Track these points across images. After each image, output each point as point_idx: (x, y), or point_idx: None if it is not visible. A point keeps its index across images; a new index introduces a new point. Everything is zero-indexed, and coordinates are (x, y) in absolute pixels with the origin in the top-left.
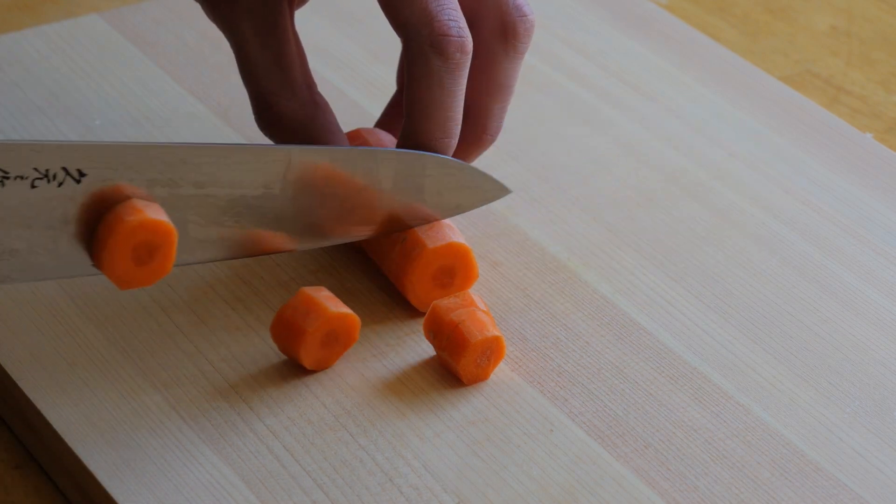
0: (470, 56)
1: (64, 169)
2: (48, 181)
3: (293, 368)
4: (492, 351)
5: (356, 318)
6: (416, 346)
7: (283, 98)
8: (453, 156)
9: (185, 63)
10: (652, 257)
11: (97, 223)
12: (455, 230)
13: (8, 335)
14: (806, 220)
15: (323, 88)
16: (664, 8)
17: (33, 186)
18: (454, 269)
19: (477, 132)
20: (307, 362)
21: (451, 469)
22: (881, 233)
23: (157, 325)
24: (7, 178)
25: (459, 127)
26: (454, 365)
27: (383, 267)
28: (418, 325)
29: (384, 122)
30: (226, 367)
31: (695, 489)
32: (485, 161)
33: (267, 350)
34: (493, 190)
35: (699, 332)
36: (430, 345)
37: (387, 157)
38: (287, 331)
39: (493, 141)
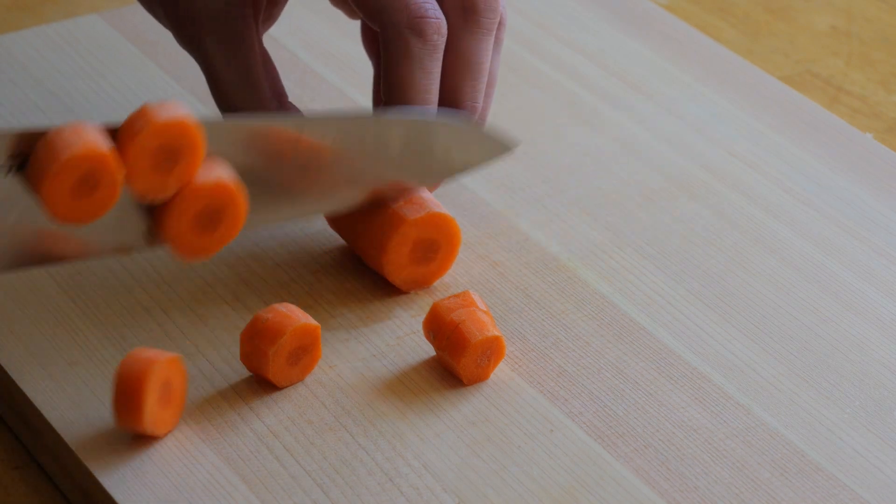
0: (445, 38)
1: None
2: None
3: None
4: (492, 351)
5: (308, 327)
6: (416, 346)
7: (253, 111)
8: None
9: (184, 63)
10: (652, 257)
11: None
12: (436, 202)
13: (8, 335)
14: (806, 220)
15: (323, 88)
16: (664, 8)
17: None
18: (437, 242)
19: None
20: (285, 384)
21: (451, 469)
22: (881, 233)
23: (157, 325)
24: None
25: (436, 111)
26: (454, 365)
27: (357, 246)
28: (418, 325)
29: None
30: (226, 367)
31: (695, 489)
32: None
33: None
34: (500, 145)
35: (699, 332)
36: (430, 345)
37: (394, 123)
38: (254, 366)
39: None
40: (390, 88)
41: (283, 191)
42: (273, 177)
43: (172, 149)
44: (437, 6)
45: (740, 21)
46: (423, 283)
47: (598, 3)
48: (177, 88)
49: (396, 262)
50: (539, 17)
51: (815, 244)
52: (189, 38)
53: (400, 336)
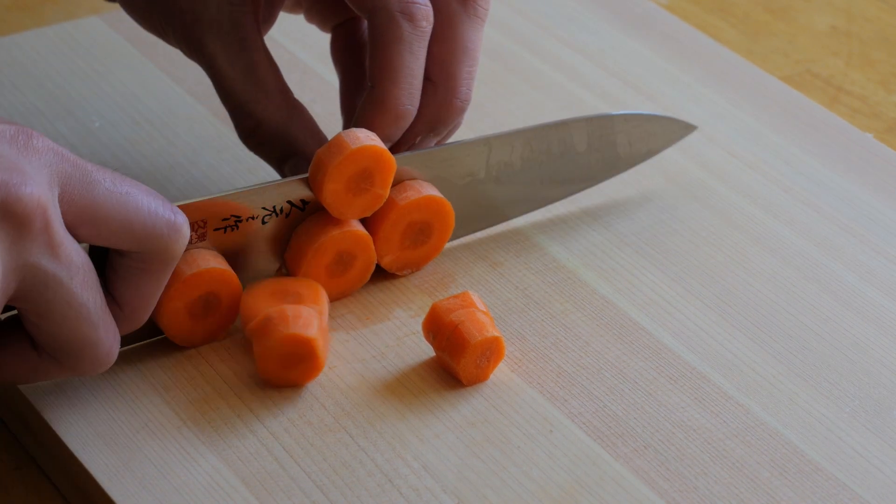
0: (431, 26)
1: (289, 202)
2: (276, 215)
3: None
4: (491, 351)
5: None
6: (415, 347)
7: (259, 105)
8: (426, 125)
9: (184, 64)
10: (652, 257)
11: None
12: (429, 185)
13: None
14: (806, 219)
15: (323, 88)
16: (664, 8)
17: (264, 223)
18: (430, 225)
19: (447, 97)
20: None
21: (450, 470)
22: (881, 233)
23: None
24: (240, 221)
25: (419, 97)
26: (454, 365)
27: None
28: (418, 326)
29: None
30: (225, 368)
31: (695, 489)
32: None
33: None
34: (679, 129)
35: (699, 332)
36: (429, 345)
37: (578, 125)
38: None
39: (464, 108)
40: (378, 71)
41: (482, 203)
42: (469, 192)
43: (367, 172)
44: None
45: (740, 21)
46: (414, 266)
47: (598, 3)
48: (176, 90)
49: (386, 246)
50: (539, 17)
51: (815, 244)
52: (192, 42)
53: (399, 337)
